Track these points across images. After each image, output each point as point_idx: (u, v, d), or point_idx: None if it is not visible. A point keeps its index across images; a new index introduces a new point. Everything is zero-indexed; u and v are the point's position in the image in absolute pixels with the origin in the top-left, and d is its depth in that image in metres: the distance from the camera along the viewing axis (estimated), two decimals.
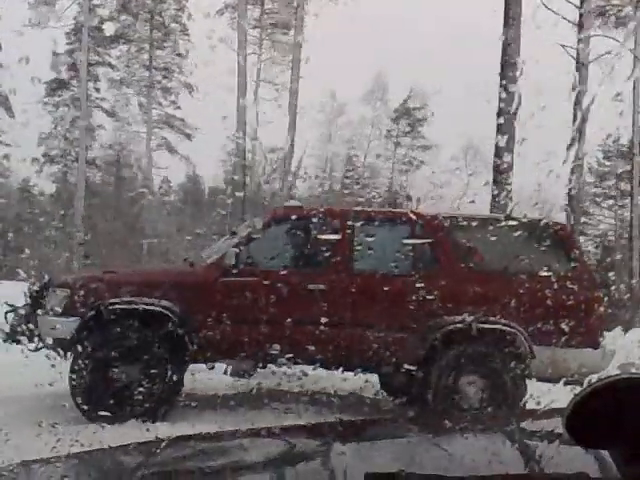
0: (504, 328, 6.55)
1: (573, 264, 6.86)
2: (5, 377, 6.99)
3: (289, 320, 6.33)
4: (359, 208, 7.42)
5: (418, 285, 6.54)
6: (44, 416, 5.19)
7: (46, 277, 7.15)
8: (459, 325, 6.54)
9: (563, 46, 18.23)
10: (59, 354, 6.50)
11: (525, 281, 6.42)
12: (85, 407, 6.21)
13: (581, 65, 16.68)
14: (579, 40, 17.47)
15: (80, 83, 28.93)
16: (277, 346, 6.31)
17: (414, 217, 7.01)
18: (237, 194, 22.77)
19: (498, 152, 12.21)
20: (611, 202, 37.02)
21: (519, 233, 6.17)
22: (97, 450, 1.74)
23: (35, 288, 7.01)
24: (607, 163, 36.14)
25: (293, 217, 6.93)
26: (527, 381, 6.55)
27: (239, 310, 6.44)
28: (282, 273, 6.65)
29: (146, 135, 33.12)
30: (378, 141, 38.13)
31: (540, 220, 6.71)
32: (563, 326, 6.29)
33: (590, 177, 35.16)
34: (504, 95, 11.59)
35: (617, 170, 35.30)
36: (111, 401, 6.16)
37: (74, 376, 6.30)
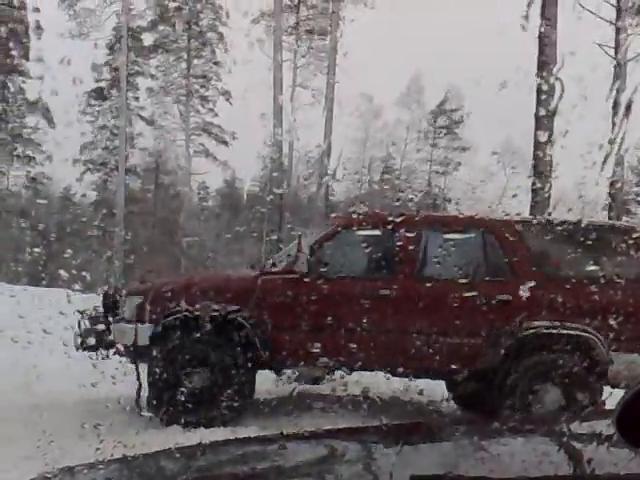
0: (581, 334, 6.41)
1: None
2: (49, 380, 7.04)
3: (360, 327, 6.26)
4: (429, 213, 7.30)
5: (491, 291, 6.48)
6: (87, 418, 5.22)
7: (115, 285, 7.22)
8: (535, 331, 6.44)
9: (600, 45, 17.98)
10: (132, 360, 6.53)
11: (602, 286, 6.22)
12: (159, 412, 6.25)
13: (618, 64, 16.46)
14: (616, 39, 17.24)
15: (120, 92, 29.33)
16: (347, 353, 6.22)
17: (486, 222, 6.92)
18: (275, 197, 22.86)
19: (537, 149, 12.07)
20: None
21: (595, 237, 6.10)
22: (139, 455, 1.74)
23: (106, 295, 7.13)
24: None
25: (363, 223, 6.88)
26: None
27: (311, 316, 6.43)
28: (353, 279, 6.66)
29: (184, 142, 33.36)
30: (415, 143, 37.95)
31: (617, 224, 6.59)
32: None
33: (631, 176, 34.56)
34: (542, 93, 11.48)
35: None
36: (184, 406, 6.16)
37: (149, 382, 6.36)
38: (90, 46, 29.66)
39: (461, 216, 7.34)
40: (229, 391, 6.36)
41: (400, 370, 6.52)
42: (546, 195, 12.01)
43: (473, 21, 32.08)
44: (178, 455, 1.70)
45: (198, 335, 6.36)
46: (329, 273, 6.63)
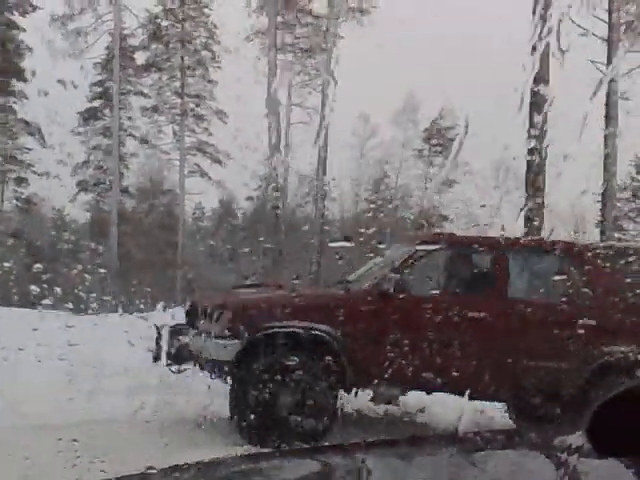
0: None
1: None
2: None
3: (444, 347, 6.33)
4: (512, 236, 7.41)
5: (573, 314, 6.52)
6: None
7: (193, 299, 7.40)
8: (617, 356, 6.47)
9: (592, 62, 18.11)
10: (214, 376, 6.59)
11: None
12: (244, 429, 6.27)
13: (611, 80, 16.55)
14: (608, 55, 17.39)
15: (112, 112, 29.32)
16: (430, 373, 6.26)
17: (569, 246, 7.05)
18: (270, 215, 22.89)
19: (530, 169, 12.13)
20: None
21: None
22: (128, 476, 1.70)
23: (189, 310, 7.29)
24: None
25: (446, 243, 6.99)
26: None
27: (396, 336, 6.40)
28: (437, 299, 6.69)
29: (179, 162, 33.32)
30: (409, 162, 38.03)
31: None
32: None
33: (625, 193, 34.64)
34: (535, 111, 11.50)
35: None
36: (269, 424, 6.18)
37: (233, 398, 6.40)
38: (82, 65, 29.76)
39: (547, 240, 7.56)
40: (314, 409, 6.34)
41: (479, 393, 6.48)
42: (539, 212, 12.03)
43: (467, 34, 32.11)
44: (175, 475, 1.68)
45: (284, 353, 6.35)
46: (411, 292, 6.69)
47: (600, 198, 18.29)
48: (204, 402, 6.46)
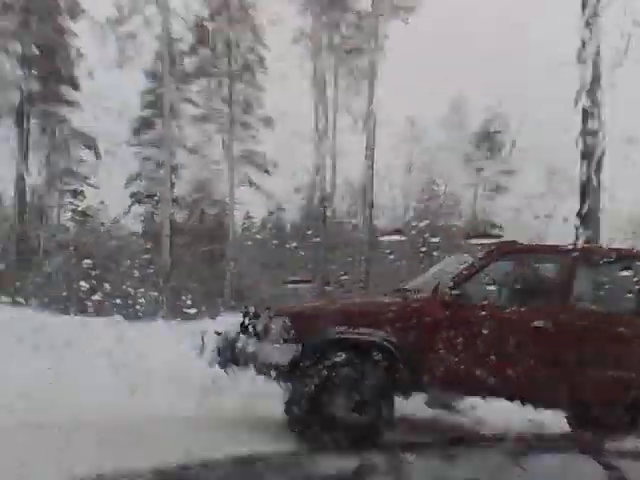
0: None
1: None
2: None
3: (498, 356, 6.39)
4: (581, 244, 7.43)
5: None
6: None
7: (252, 307, 7.71)
8: None
9: None
10: (273, 380, 6.79)
11: None
12: (300, 434, 6.38)
13: None
14: None
15: (164, 121, 29.41)
16: (488, 381, 6.27)
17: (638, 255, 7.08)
18: (318, 225, 22.95)
19: (585, 174, 11.90)
20: None
21: None
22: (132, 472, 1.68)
23: (246, 315, 7.56)
24: None
25: (509, 252, 7.10)
26: None
27: (452, 344, 6.50)
28: (499, 308, 6.78)
29: (227, 171, 33.35)
30: (459, 168, 37.65)
31: None
32: None
33: None
34: (588, 115, 11.33)
35: None
36: (325, 430, 6.26)
37: (291, 403, 6.52)
38: (132, 74, 29.92)
39: (615, 248, 7.52)
40: (369, 418, 6.42)
41: (537, 401, 6.53)
42: (595, 218, 11.83)
43: (514, 34, 31.68)
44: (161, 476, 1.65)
45: (342, 359, 6.49)
46: (471, 300, 6.74)
47: None
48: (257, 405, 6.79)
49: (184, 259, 29.10)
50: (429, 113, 34.43)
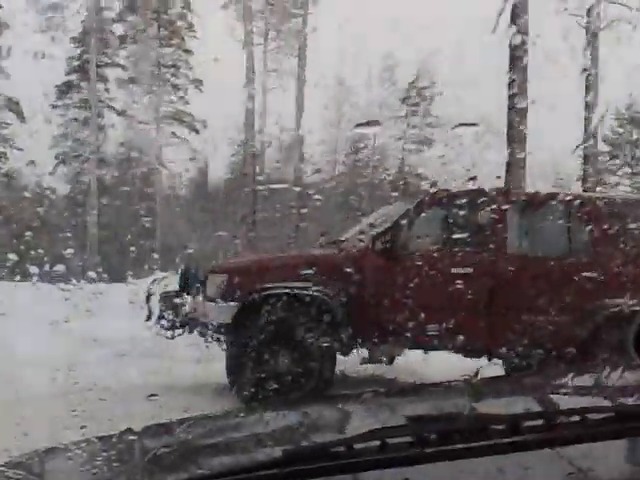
0: None
1: None
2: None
3: (440, 305, 6.35)
4: (512, 189, 7.30)
5: (574, 268, 6.51)
6: None
7: (186, 265, 7.55)
8: (620, 308, 6.44)
9: (574, 15, 17.94)
10: (210, 339, 6.62)
11: None
12: (240, 391, 6.27)
13: (592, 34, 16.47)
14: (588, 9, 17.21)
15: (90, 84, 28.98)
16: (428, 330, 6.25)
17: (569, 199, 6.96)
18: (248, 181, 22.82)
19: (511, 124, 12.06)
20: (628, 170, 36.46)
21: None
22: (120, 432, 1.66)
23: (183, 273, 7.36)
24: (621, 131, 35.60)
25: (441, 200, 6.94)
26: None
27: (392, 294, 6.44)
28: (433, 256, 6.63)
29: (155, 131, 32.95)
30: (387, 122, 37.70)
31: None
32: None
33: (605, 146, 34.66)
34: (515, 66, 11.45)
35: (632, 137, 34.93)
36: (265, 386, 6.14)
37: (230, 361, 6.44)
38: (58, 39, 29.25)
39: (548, 193, 7.42)
40: (311, 371, 6.36)
41: (478, 350, 6.58)
42: (521, 166, 12.00)
43: None
44: (159, 430, 1.64)
45: (280, 314, 6.35)
46: (407, 249, 6.65)
47: (582, 152, 18.29)
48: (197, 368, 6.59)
49: (112, 219, 28.61)
50: (360, 72, 34.40)
